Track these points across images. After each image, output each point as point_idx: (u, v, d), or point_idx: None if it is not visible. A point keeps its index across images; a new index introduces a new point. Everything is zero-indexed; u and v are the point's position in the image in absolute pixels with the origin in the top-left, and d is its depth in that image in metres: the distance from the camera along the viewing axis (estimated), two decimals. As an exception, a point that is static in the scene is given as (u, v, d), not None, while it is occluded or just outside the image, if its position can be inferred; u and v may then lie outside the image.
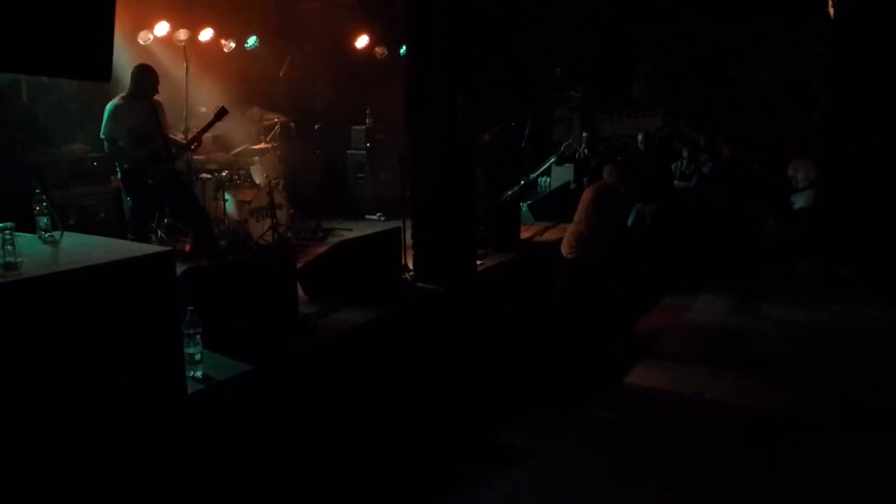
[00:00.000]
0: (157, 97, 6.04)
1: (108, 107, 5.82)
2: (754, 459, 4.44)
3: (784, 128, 10.03)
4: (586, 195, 6.28)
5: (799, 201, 8.35)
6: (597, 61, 10.65)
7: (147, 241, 6.08)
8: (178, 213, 6.39)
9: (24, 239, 3.09)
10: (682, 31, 10.62)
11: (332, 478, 4.04)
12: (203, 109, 7.38)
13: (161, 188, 5.96)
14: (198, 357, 3.60)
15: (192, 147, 6.40)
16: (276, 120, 8.65)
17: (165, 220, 6.62)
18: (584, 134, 9.77)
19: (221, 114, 6.22)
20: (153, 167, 5.87)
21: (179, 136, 6.60)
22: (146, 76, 5.89)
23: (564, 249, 6.26)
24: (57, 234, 3.40)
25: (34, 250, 3.13)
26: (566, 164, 9.41)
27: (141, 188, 5.90)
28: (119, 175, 6.04)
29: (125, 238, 5.82)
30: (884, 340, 6.54)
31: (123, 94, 5.92)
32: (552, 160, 9.48)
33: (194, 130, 6.51)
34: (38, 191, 3.41)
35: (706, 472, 4.30)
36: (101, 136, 5.85)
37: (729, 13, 10.17)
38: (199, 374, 3.56)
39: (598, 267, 6.20)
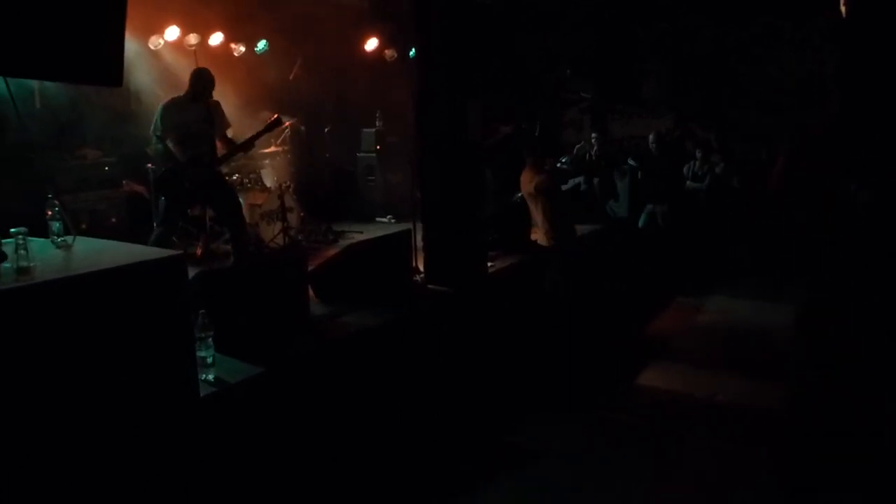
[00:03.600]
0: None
1: (161, 105, 5.91)
2: (765, 461, 4.41)
3: (794, 126, 9.97)
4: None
5: None
6: (602, 62, 10.62)
7: (171, 236, 6.15)
8: (221, 215, 6.43)
9: (37, 243, 3.11)
10: (689, 30, 10.57)
11: (341, 478, 4.05)
12: None
13: (197, 191, 5.99)
14: (210, 360, 3.62)
15: (245, 151, 6.37)
16: (286, 123, 8.69)
17: (180, 224, 6.65)
18: (594, 135, 9.75)
19: (275, 123, 6.16)
20: (193, 170, 5.87)
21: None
22: (201, 78, 5.97)
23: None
24: (69, 238, 3.42)
25: (47, 255, 3.15)
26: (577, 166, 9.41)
27: (176, 190, 5.91)
28: (157, 174, 6.08)
29: (138, 241, 5.84)
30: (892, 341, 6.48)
31: (179, 93, 6.01)
32: (562, 161, 9.46)
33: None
34: (50, 195, 3.43)
35: (716, 473, 4.28)
36: (151, 131, 5.94)
37: (736, 12, 10.12)
38: (211, 377, 3.58)
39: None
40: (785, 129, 9.91)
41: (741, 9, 9.99)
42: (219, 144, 6.10)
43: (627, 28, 10.74)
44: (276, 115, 6.21)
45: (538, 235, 6.45)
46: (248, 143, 6.16)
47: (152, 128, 5.90)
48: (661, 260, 8.49)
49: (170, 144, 5.84)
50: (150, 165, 7.07)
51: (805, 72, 9.84)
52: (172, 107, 5.87)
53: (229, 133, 6.25)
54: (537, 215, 6.32)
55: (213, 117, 6.01)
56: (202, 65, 7.28)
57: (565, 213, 6.48)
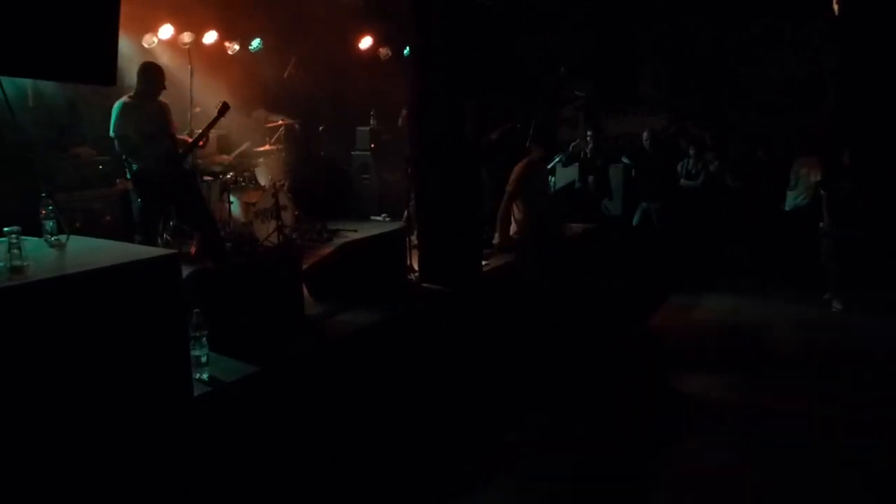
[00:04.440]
0: (162, 99, 6.02)
1: (116, 105, 5.76)
2: (762, 459, 4.43)
3: (793, 126, 9.98)
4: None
5: (793, 200, 8.26)
6: (601, 61, 10.63)
7: (154, 242, 6.08)
8: (186, 215, 6.38)
9: (30, 242, 3.10)
10: (689, 31, 10.58)
11: (338, 478, 4.05)
12: (197, 109, 7.36)
13: (171, 189, 5.95)
14: (204, 359, 3.61)
15: (200, 145, 6.34)
16: (280, 122, 8.68)
17: (171, 223, 6.63)
18: (589, 133, 9.75)
19: (224, 109, 6.15)
20: (166, 167, 5.83)
21: (184, 138, 6.59)
22: (153, 74, 5.85)
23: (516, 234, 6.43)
24: (63, 237, 3.41)
25: (40, 254, 3.14)
26: (571, 164, 9.42)
27: (151, 188, 5.86)
28: (129, 175, 5.99)
29: (132, 239, 5.83)
30: (888, 340, 6.52)
31: (131, 92, 5.88)
32: (557, 160, 9.46)
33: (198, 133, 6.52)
34: (44, 194, 3.42)
35: (713, 471, 4.29)
36: (111, 134, 5.77)
37: (735, 12, 10.13)
38: (205, 376, 3.57)
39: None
40: (784, 129, 9.94)
41: (741, 10, 10.00)
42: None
43: (627, 29, 10.74)
44: (223, 102, 6.19)
45: (516, 230, 6.44)
46: (202, 135, 6.16)
47: (112, 129, 5.72)
48: (656, 258, 8.50)
49: (132, 144, 5.75)
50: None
51: (805, 73, 9.87)
52: (130, 105, 5.75)
53: (179, 136, 6.26)
54: (521, 209, 6.31)
55: (167, 116, 5.99)
56: (196, 63, 7.28)
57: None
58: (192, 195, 6.23)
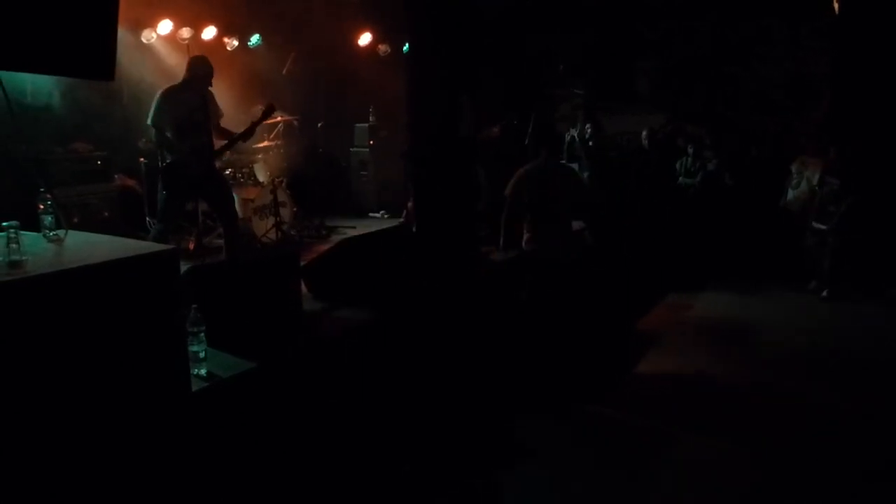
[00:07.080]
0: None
1: (158, 94, 5.76)
2: (757, 456, 4.44)
3: (785, 126, 10.00)
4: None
5: (790, 197, 8.31)
6: (599, 59, 10.65)
7: (168, 233, 6.04)
8: (214, 209, 6.36)
9: (28, 237, 3.10)
10: (685, 29, 10.59)
11: (333, 476, 4.05)
12: None
13: (198, 184, 5.90)
14: (202, 355, 3.60)
15: (243, 141, 6.26)
16: (279, 118, 8.66)
17: (200, 216, 6.60)
18: (588, 125, 9.73)
19: (270, 110, 6.12)
20: (194, 161, 5.78)
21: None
22: (199, 67, 5.81)
23: None
24: (61, 232, 3.40)
25: (39, 249, 3.13)
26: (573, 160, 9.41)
27: (178, 182, 5.80)
28: (159, 164, 5.96)
29: (130, 235, 5.81)
30: (883, 337, 6.55)
31: (175, 82, 5.88)
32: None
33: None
34: (42, 189, 3.42)
35: (708, 469, 4.30)
36: (149, 122, 5.77)
37: (730, 11, 10.14)
38: (203, 371, 3.57)
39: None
40: (779, 128, 9.96)
41: (737, 10, 10.02)
42: (214, 136, 6.04)
43: (625, 28, 10.76)
44: (270, 103, 6.16)
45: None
46: (248, 133, 6.05)
47: (150, 117, 5.74)
48: (653, 256, 8.50)
49: (169, 135, 5.73)
50: (142, 159, 7.04)
51: (799, 72, 9.88)
52: (170, 96, 5.73)
53: (222, 123, 6.19)
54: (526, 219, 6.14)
55: (209, 107, 5.93)
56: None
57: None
58: (220, 190, 6.18)
